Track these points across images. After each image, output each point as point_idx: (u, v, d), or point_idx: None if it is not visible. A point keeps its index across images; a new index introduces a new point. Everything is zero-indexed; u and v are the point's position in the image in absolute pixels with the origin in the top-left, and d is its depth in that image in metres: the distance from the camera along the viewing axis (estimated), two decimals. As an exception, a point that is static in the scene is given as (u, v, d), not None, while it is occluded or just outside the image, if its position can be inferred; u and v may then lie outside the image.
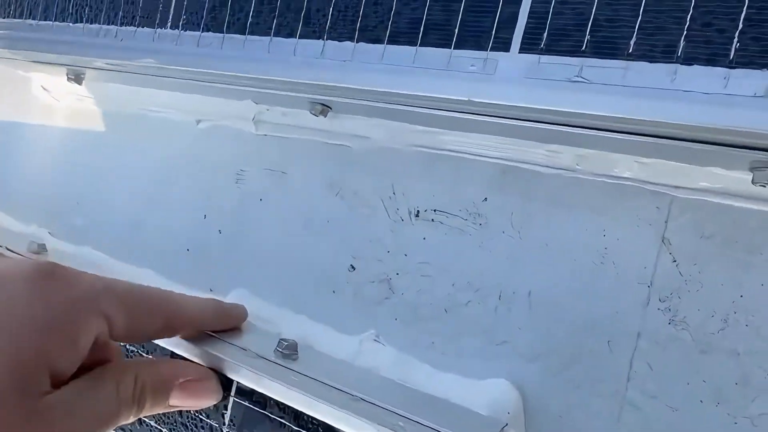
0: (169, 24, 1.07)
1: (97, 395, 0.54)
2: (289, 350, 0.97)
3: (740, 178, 0.79)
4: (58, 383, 0.49)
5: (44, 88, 1.51)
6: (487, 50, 0.79)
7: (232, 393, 0.90)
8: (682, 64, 0.69)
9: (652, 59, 0.70)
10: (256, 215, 1.22)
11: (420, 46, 0.84)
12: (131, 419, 0.58)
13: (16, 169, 1.59)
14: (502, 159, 0.97)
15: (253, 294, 1.19)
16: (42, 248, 1.35)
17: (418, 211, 1.05)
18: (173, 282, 1.29)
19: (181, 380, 0.68)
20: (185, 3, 1.06)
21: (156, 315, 0.64)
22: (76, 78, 1.31)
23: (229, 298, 1.20)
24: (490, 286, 0.98)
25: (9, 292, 0.46)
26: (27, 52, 1.28)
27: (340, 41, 0.90)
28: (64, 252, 1.43)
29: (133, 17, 1.12)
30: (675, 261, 0.87)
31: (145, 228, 1.36)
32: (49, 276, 0.49)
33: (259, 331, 1.05)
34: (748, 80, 0.66)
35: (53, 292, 0.48)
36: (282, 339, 0.99)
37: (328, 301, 1.12)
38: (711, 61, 0.67)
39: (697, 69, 0.68)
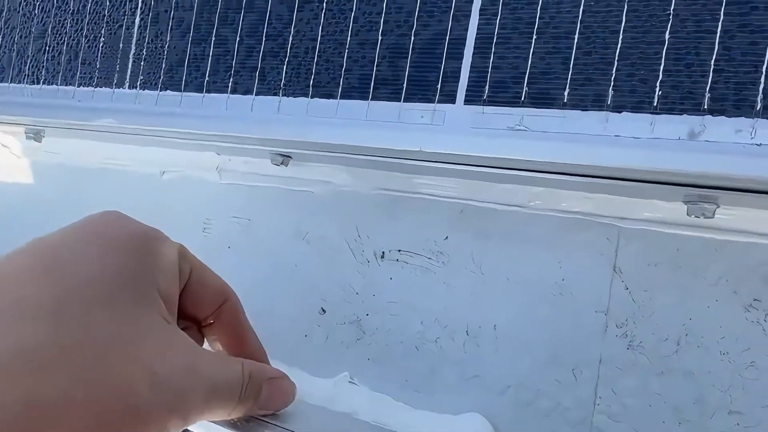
0: (127, 84, 1.09)
1: (224, 364, 0.48)
2: (262, 402, 0.97)
3: (678, 209, 0.84)
4: (170, 309, 0.45)
5: (4, 145, 1.50)
6: (434, 102, 0.84)
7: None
8: (612, 111, 0.74)
9: (584, 108, 0.75)
10: (225, 263, 1.22)
11: (372, 100, 0.87)
12: (242, 413, 0.51)
13: (-23, 228, 1.56)
14: (459, 198, 1.01)
15: (225, 343, 1.18)
16: None
17: (383, 252, 1.08)
18: (144, 335, 1.27)
19: (267, 377, 0.57)
20: (142, 63, 1.08)
21: (217, 286, 0.56)
22: (36, 136, 1.31)
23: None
24: (458, 321, 1.01)
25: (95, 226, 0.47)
26: (-17, 115, 1.27)
27: (295, 97, 0.94)
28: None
29: (91, 78, 1.13)
30: (627, 288, 0.91)
31: (114, 281, 1.35)
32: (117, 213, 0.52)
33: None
34: (671, 125, 0.72)
35: (126, 221, 0.49)
36: (255, 391, 0.99)
37: (302, 345, 1.13)
38: (637, 108, 0.73)
39: (625, 116, 0.74)
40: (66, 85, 1.16)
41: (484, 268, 1.00)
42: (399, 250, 1.06)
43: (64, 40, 1.17)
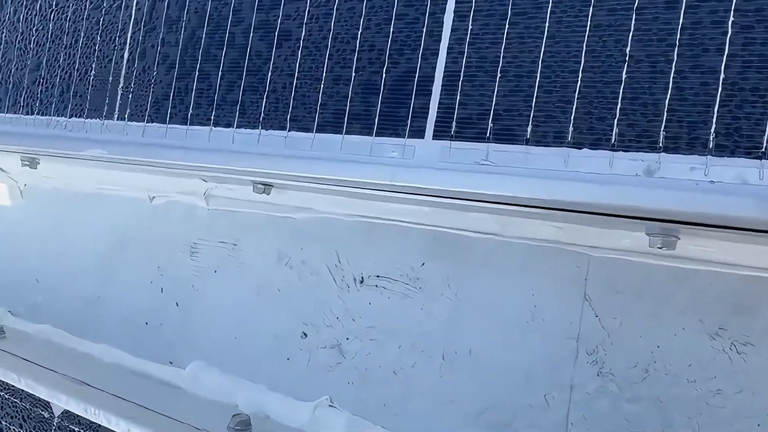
0: (115, 115, 1.13)
1: None
2: (241, 426, 1.00)
3: (642, 239, 0.86)
4: None
5: (2, 170, 1.54)
6: (404, 137, 0.87)
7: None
8: (572, 148, 0.77)
9: (546, 144, 0.78)
10: (212, 287, 1.25)
11: (345, 134, 0.91)
12: None
13: (-24, 249, 1.60)
14: (434, 225, 1.04)
15: (211, 365, 1.21)
16: (0, 331, 1.35)
17: (362, 277, 1.10)
18: (133, 356, 1.30)
19: None
20: (130, 96, 1.12)
21: None
22: (31, 163, 1.35)
23: (188, 370, 1.22)
24: (434, 346, 1.03)
25: None
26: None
27: (273, 130, 0.97)
28: (24, 332, 1.43)
29: (82, 109, 1.17)
30: (597, 316, 0.93)
31: (104, 303, 1.38)
32: None
33: (215, 405, 1.08)
34: (629, 162, 0.74)
35: None
36: (235, 414, 1.01)
37: (284, 369, 1.15)
38: (596, 145, 0.75)
39: (585, 152, 0.76)
40: (58, 116, 1.20)
41: (459, 294, 1.02)
42: (378, 276, 1.09)
43: (57, 73, 1.22)
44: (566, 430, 0.92)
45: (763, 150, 0.68)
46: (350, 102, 0.90)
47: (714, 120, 0.70)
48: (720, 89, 0.70)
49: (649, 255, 0.88)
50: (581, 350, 0.93)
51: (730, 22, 0.70)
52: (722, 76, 0.70)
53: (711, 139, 0.70)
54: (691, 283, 0.87)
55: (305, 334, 1.14)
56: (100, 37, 1.16)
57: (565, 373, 0.93)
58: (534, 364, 0.96)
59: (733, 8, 0.70)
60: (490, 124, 0.81)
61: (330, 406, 1.09)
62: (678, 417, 0.86)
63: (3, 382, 1.16)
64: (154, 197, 1.33)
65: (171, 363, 1.26)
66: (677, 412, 0.86)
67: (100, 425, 0.99)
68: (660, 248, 0.81)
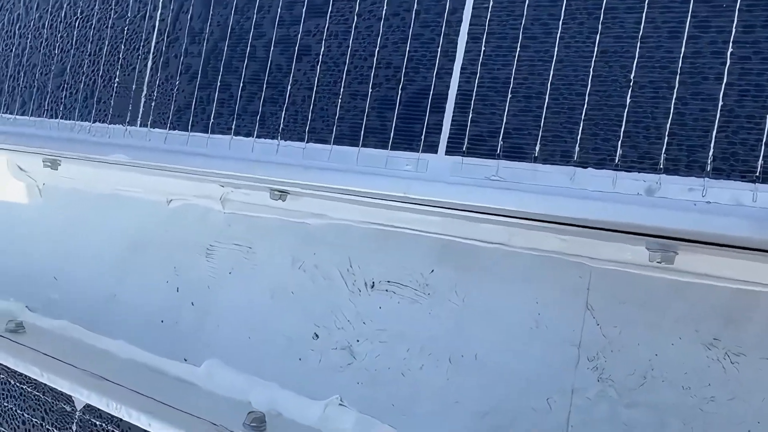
0: (138, 122, 1.17)
1: None
2: (256, 422, 1.04)
3: (643, 252, 0.91)
4: None
5: (22, 169, 1.59)
6: (418, 152, 0.91)
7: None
8: (577, 167, 0.81)
9: (553, 162, 0.82)
10: (226, 288, 1.30)
11: (362, 147, 0.95)
12: None
13: (-6, 245, 1.64)
14: (444, 234, 1.08)
15: (225, 363, 1.26)
16: (19, 326, 1.39)
17: (373, 282, 1.15)
18: (148, 352, 1.35)
19: None
20: (153, 104, 1.16)
21: None
22: (52, 165, 1.39)
23: (203, 368, 1.27)
24: (441, 350, 1.08)
25: None
26: (4, 145, 1.36)
27: (292, 141, 1.02)
28: (42, 328, 1.47)
29: (105, 115, 1.22)
30: (598, 324, 0.98)
31: (120, 301, 1.42)
32: None
33: (230, 402, 1.12)
34: (630, 182, 0.78)
35: None
36: (250, 412, 1.06)
37: (296, 368, 1.20)
38: (600, 164, 0.80)
39: (590, 171, 0.81)
40: (82, 121, 1.25)
41: (466, 301, 1.07)
42: (388, 281, 1.14)
43: (82, 79, 1.26)
44: (566, 433, 0.97)
45: (757, 174, 0.72)
46: (367, 116, 0.95)
47: (712, 144, 0.74)
48: (718, 116, 0.74)
49: (648, 268, 0.93)
50: (582, 357, 0.98)
51: (728, 53, 0.74)
52: (720, 103, 0.74)
53: (709, 162, 0.74)
54: (687, 295, 0.92)
55: (317, 336, 1.19)
56: (124, 45, 1.20)
57: (567, 379, 0.98)
58: (537, 369, 1.00)
59: (731, 40, 0.74)
60: (501, 142, 0.85)
61: (340, 404, 1.13)
62: (674, 422, 0.91)
63: (25, 375, 1.21)
64: (171, 200, 1.37)
65: (186, 360, 1.30)
66: (673, 417, 0.91)
67: (121, 419, 1.03)
68: (659, 263, 0.85)
